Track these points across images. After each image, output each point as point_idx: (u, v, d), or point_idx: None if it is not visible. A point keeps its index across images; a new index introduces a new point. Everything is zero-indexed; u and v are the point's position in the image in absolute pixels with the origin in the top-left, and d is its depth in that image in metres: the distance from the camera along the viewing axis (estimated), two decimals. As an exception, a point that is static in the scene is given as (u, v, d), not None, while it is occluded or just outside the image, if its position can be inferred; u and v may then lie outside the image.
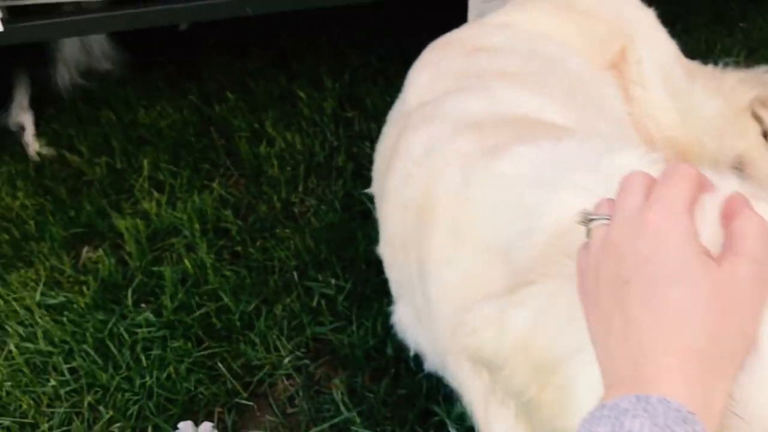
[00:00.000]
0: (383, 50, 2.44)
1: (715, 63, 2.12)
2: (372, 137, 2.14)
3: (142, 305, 1.76)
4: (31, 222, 1.94)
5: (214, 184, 2.03)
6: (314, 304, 1.69)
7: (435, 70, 1.35)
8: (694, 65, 1.97)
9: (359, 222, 1.89)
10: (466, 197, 1.02)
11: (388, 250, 1.35)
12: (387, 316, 1.48)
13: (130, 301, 1.75)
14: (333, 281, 1.72)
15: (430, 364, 1.32)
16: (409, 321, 1.33)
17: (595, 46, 1.54)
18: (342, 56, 2.44)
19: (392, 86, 2.30)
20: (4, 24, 1.75)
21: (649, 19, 1.69)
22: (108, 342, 1.66)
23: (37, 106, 2.32)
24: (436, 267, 1.07)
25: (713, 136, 1.63)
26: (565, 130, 1.13)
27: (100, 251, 1.88)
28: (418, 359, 1.40)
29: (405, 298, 1.34)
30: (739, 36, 2.43)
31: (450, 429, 1.39)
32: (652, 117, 1.54)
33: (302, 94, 2.27)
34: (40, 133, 2.21)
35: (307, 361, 1.60)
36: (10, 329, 1.72)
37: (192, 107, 2.27)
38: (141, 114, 2.24)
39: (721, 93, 1.84)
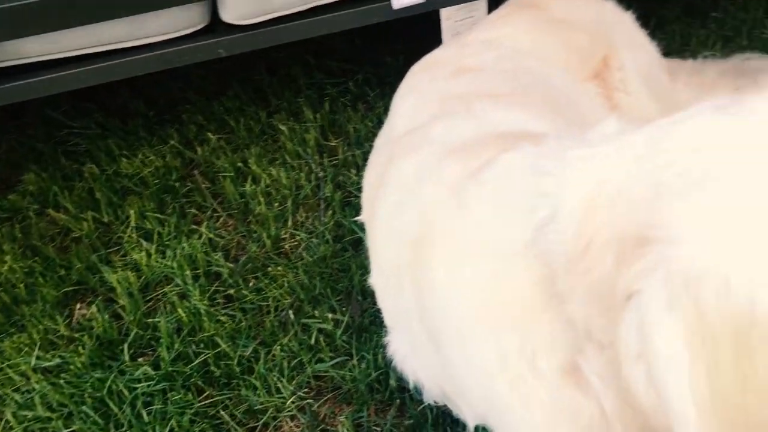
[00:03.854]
0: (360, 76, 2.43)
1: (694, 57, 2.11)
2: (357, 164, 2.12)
3: (140, 359, 1.73)
4: (21, 285, 1.91)
5: (202, 228, 2.00)
6: (312, 341, 1.66)
7: (419, 95, 1.33)
8: (674, 62, 1.96)
9: (352, 252, 1.86)
10: (464, 216, 0.99)
11: (380, 279, 1.33)
12: (386, 347, 1.45)
13: (127, 356, 1.72)
14: (330, 316, 1.69)
15: (429, 394, 1.29)
16: (406, 351, 1.31)
17: (577, 56, 1.52)
18: (320, 87, 2.42)
19: (372, 111, 2.29)
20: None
21: (627, 23, 1.68)
22: (107, 400, 1.63)
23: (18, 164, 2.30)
24: (440, 294, 1.04)
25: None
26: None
27: (93, 307, 1.85)
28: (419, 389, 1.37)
29: (400, 327, 1.32)
30: (713, 26, 2.42)
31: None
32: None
33: (284, 128, 2.25)
34: (21, 192, 2.18)
35: (310, 401, 1.57)
36: (6, 398, 1.68)
37: (174, 152, 2.25)
38: (123, 164, 2.22)
39: (704, 87, 1.83)
